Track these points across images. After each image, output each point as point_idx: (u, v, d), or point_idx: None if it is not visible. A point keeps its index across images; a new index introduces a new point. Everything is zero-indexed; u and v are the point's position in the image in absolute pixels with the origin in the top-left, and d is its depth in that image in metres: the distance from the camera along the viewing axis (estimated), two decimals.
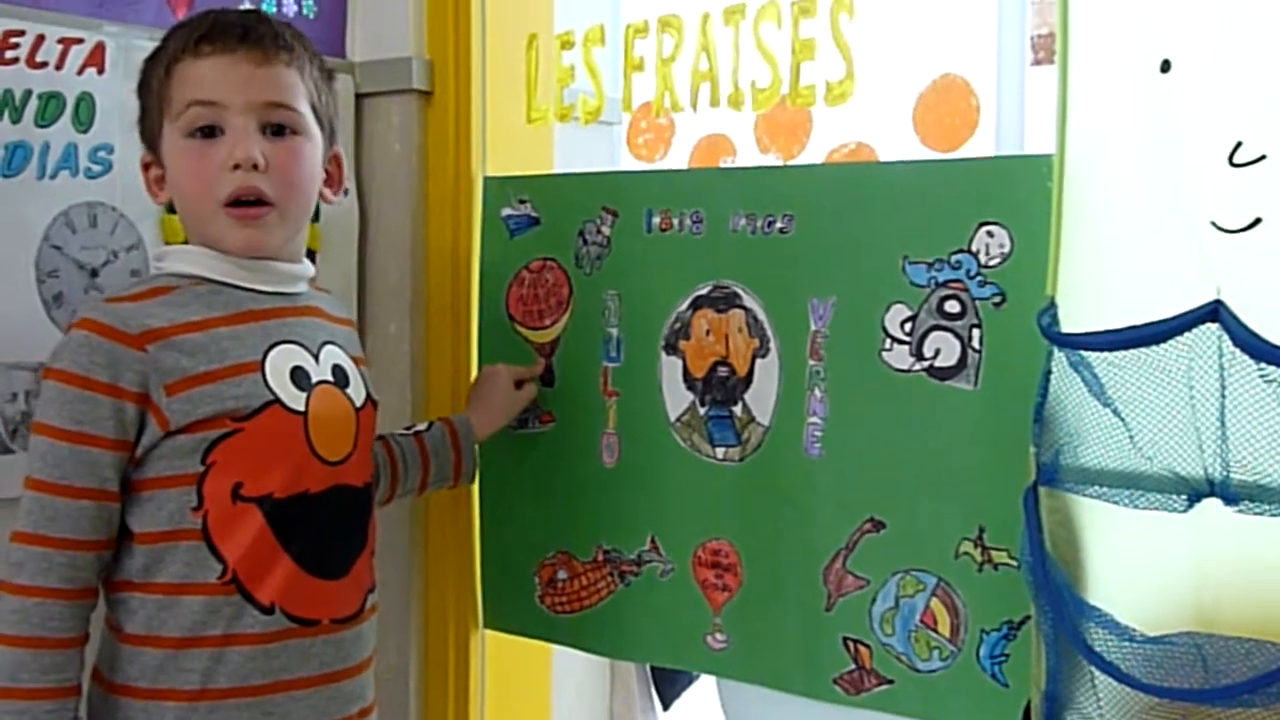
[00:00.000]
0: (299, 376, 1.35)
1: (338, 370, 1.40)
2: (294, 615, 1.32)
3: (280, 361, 1.34)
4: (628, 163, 2.59)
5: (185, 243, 1.40)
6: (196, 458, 1.28)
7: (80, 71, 1.52)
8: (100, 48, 1.54)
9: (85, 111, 1.53)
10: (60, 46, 1.51)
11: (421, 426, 1.67)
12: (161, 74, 1.35)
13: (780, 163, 2.60)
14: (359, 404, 1.42)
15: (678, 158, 2.99)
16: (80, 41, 1.52)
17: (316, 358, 1.38)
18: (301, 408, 1.34)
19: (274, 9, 1.75)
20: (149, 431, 1.27)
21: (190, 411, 1.27)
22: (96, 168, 1.55)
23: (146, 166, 1.39)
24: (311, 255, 1.72)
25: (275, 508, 1.31)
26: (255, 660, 1.30)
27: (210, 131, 1.33)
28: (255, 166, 1.32)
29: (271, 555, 1.31)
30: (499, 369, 1.73)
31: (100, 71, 1.54)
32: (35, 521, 1.25)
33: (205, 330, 1.30)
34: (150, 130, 1.37)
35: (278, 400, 1.32)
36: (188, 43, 1.33)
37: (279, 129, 1.35)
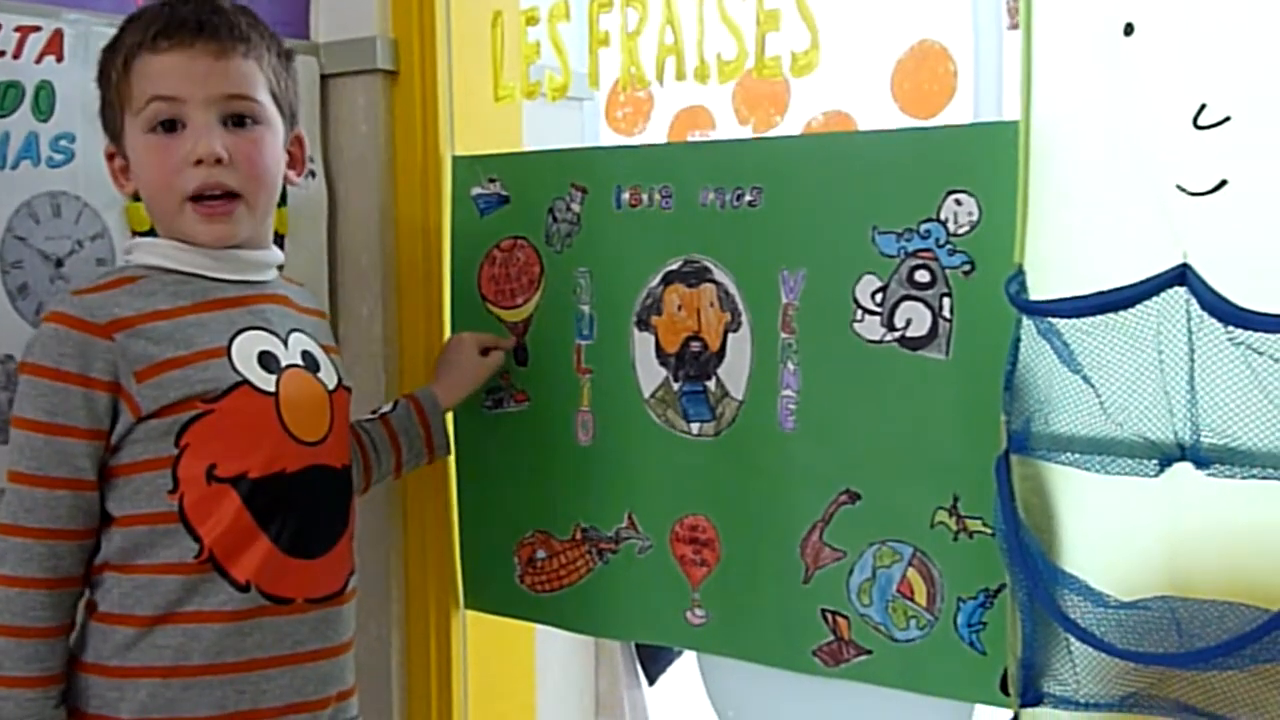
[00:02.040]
0: (267, 360, 1.36)
1: (307, 355, 1.41)
2: (269, 593, 1.33)
3: (247, 346, 1.35)
4: (606, 136, 2.58)
5: (151, 233, 1.40)
6: (170, 441, 1.30)
7: (39, 59, 1.51)
8: (58, 35, 1.52)
9: (45, 100, 1.51)
10: (18, 35, 1.49)
11: (387, 408, 1.66)
12: (120, 66, 1.35)
13: (759, 133, 2.59)
14: (331, 387, 1.43)
15: (657, 130, 2.97)
16: (38, 29, 1.50)
17: (285, 343, 1.39)
18: (271, 389, 1.35)
19: None
20: (122, 419, 1.29)
21: (160, 396, 1.29)
22: (58, 156, 1.53)
23: (111, 157, 1.40)
24: (280, 239, 1.71)
25: (251, 487, 1.32)
26: (229, 637, 1.31)
27: (171, 126, 1.33)
28: (218, 161, 1.33)
29: (248, 534, 1.32)
30: (464, 336, 1.73)
31: (59, 59, 1.52)
32: (14, 513, 1.28)
33: (171, 319, 1.32)
34: (112, 122, 1.38)
35: (246, 381, 1.33)
36: (145, 36, 1.33)
37: (240, 120, 1.36)
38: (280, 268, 1.47)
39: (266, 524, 1.33)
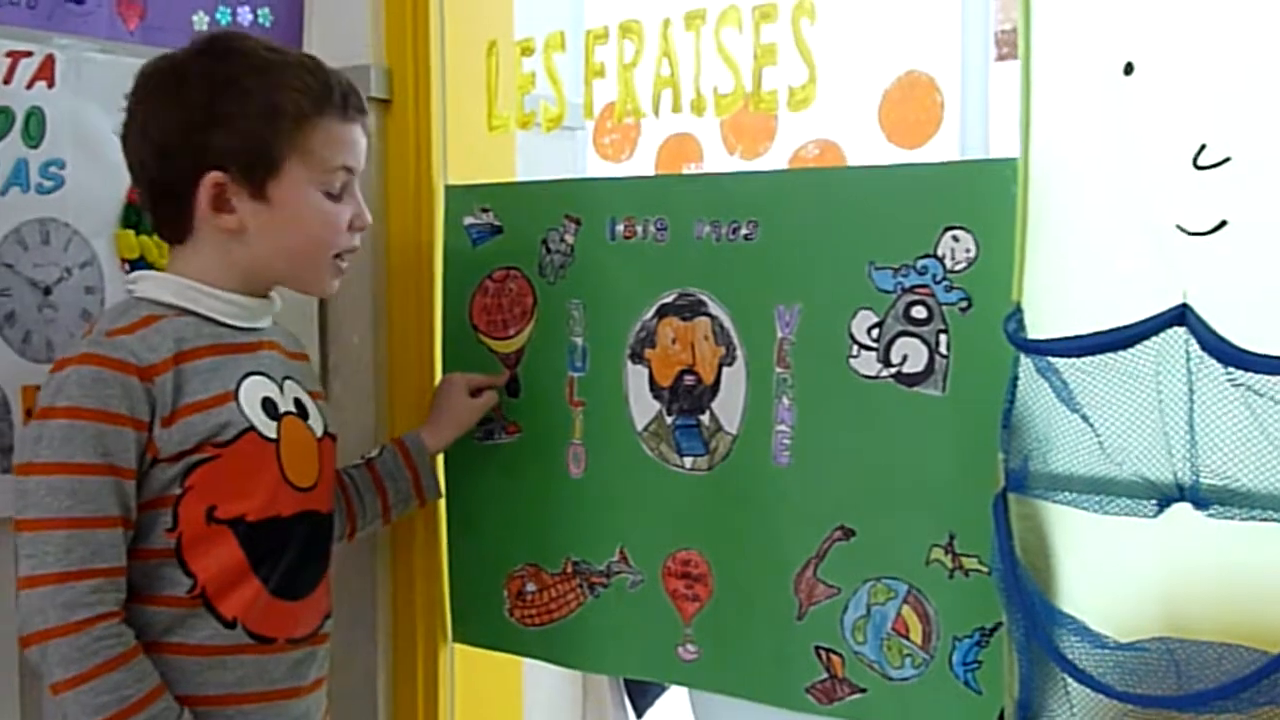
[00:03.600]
0: (269, 406, 1.39)
1: (298, 403, 1.45)
2: (254, 632, 1.36)
3: (252, 392, 1.38)
4: (593, 163, 2.57)
5: (141, 264, 1.39)
6: (176, 482, 1.32)
7: (30, 85, 1.49)
8: (50, 60, 1.51)
9: (35, 126, 1.50)
10: (9, 60, 1.48)
11: (373, 453, 1.67)
12: (297, 115, 1.36)
13: (746, 162, 2.59)
14: (319, 435, 1.46)
15: (644, 158, 2.97)
16: (29, 55, 1.49)
17: (281, 389, 1.42)
18: (274, 435, 1.38)
19: (229, 19, 1.72)
20: (145, 459, 1.31)
21: (179, 441, 1.31)
22: (48, 183, 1.52)
23: (221, 185, 1.35)
24: None
25: (249, 530, 1.35)
26: (211, 671, 1.34)
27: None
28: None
29: (240, 574, 1.35)
30: (454, 378, 1.73)
31: (50, 85, 1.51)
32: (83, 558, 1.26)
33: (191, 361, 1.34)
34: (262, 159, 1.36)
35: (253, 427, 1.36)
36: (333, 98, 1.38)
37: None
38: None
39: (259, 565, 1.36)
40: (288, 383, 1.44)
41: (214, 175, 1.35)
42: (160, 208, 1.40)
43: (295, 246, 1.41)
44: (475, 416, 1.72)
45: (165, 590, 1.32)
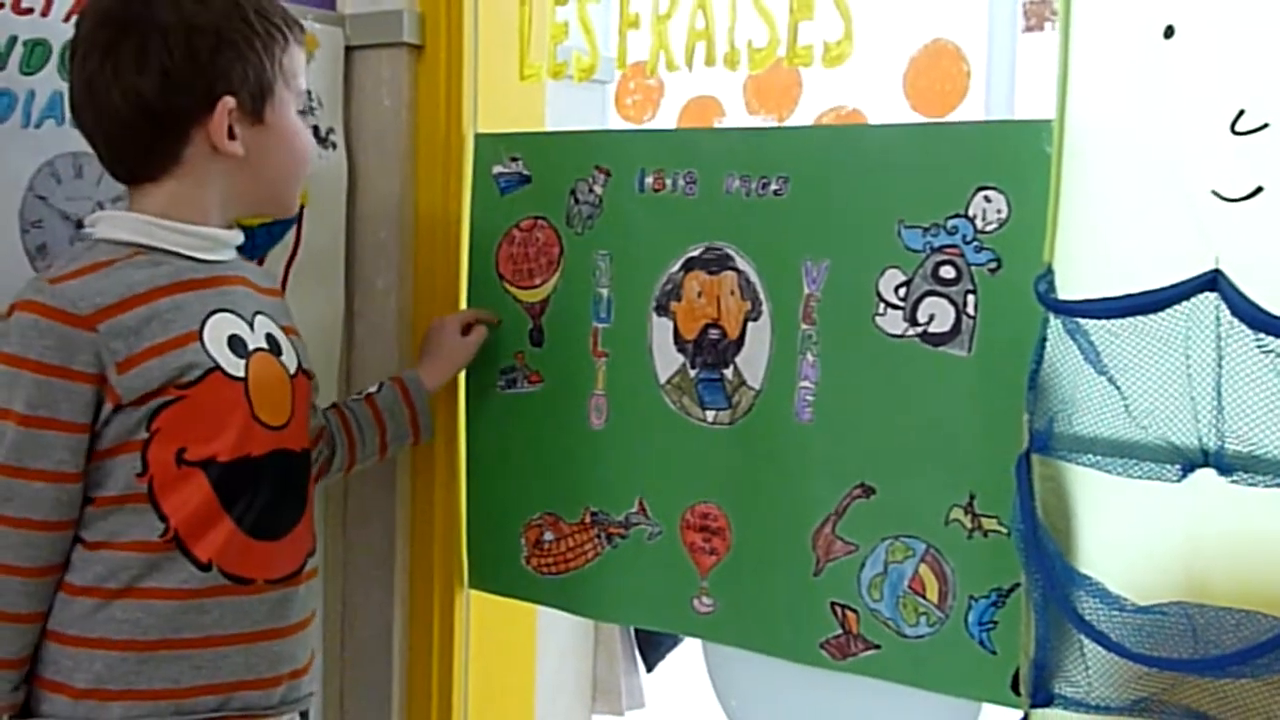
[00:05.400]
0: (236, 344, 1.37)
1: (270, 339, 1.42)
2: (230, 573, 1.35)
3: (218, 330, 1.36)
4: (615, 123, 2.57)
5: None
6: (142, 426, 1.30)
7: (67, 18, 1.48)
8: None
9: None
10: None
11: (373, 388, 1.68)
12: (283, 40, 1.39)
13: (771, 124, 2.58)
14: (292, 371, 1.44)
15: (666, 118, 2.96)
16: None
17: (251, 326, 1.40)
18: (241, 374, 1.36)
19: None
20: (104, 408, 1.29)
21: (139, 386, 1.29)
22: None
23: (231, 113, 1.35)
24: (300, 210, 1.70)
25: (220, 471, 1.34)
26: (188, 614, 1.33)
27: None
28: None
29: (214, 516, 1.34)
30: (446, 318, 1.75)
31: None
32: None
33: (149, 302, 1.31)
34: (259, 84, 1.36)
35: (219, 367, 1.34)
36: (293, 25, 1.41)
37: None
38: (240, 249, 1.46)
39: (231, 506, 1.35)
40: (259, 318, 1.41)
41: (227, 101, 1.34)
42: (143, 144, 1.35)
43: (285, 168, 1.42)
44: (468, 354, 1.73)
45: (137, 535, 1.31)
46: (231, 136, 1.35)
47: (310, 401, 1.49)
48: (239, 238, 1.44)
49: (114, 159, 1.38)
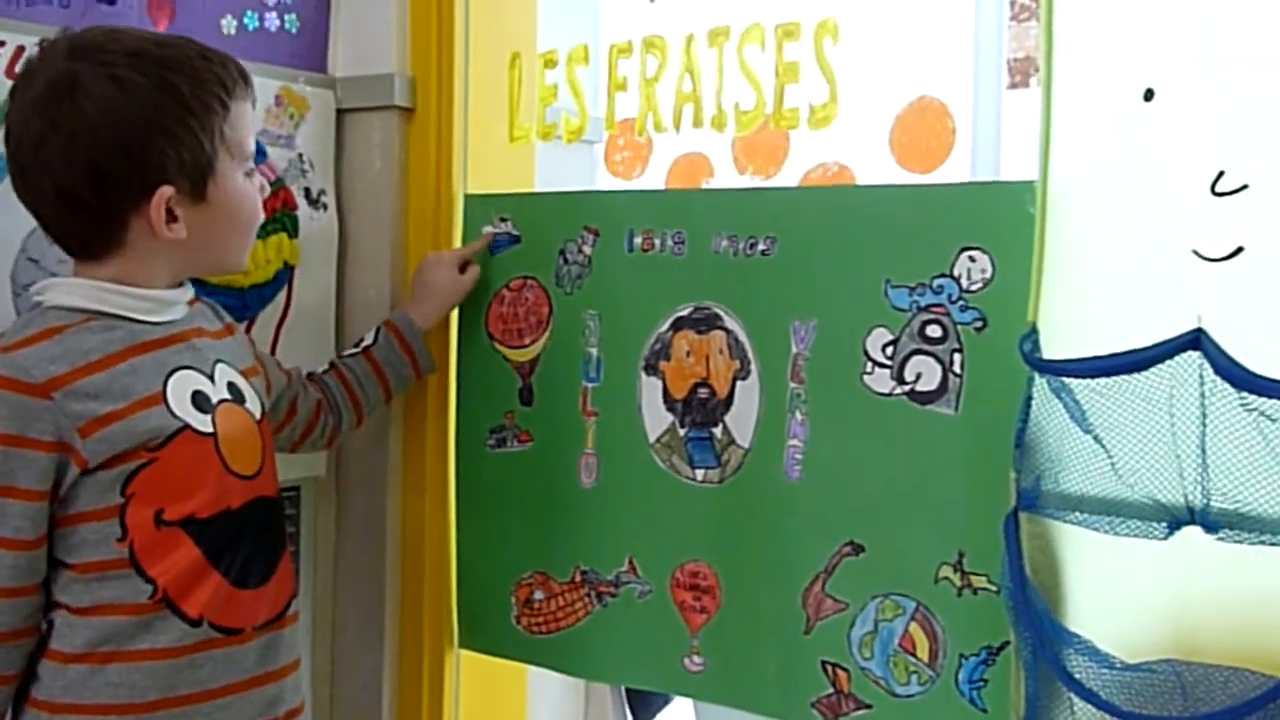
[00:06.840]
0: (200, 400, 1.36)
1: (232, 387, 1.42)
2: (219, 625, 1.36)
3: (180, 388, 1.35)
4: (604, 179, 2.59)
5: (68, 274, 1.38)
6: (116, 490, 1.30)
7: None
8: None
9: None
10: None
11: (368, 339, 1.70)
12: (223, 108, 1.34)
13: (758, 182, 2.61)
14: (258, 418, 1.44)
15: (655, 175, 2.99)
16: None
17: (212, 379, 1.39)
18: (210, 429, 1.36)
19: (256, 24, 1.74)
20: (70, 473, 1.28)
21: (105, 450, 1.29)
22: None
23: (168, 201, 1.31)
24: (290, 270, 1.72)
25: (201, 528, 1.34)
26: (182, 671, 1.33)
27: None
28: None
29: (201, 572, 1.34)
30: (441, 254, 1.76)
31: None
32: None
33: (106, 369, 1.30)
34: (196, 166, 1.32)
35: (187, 426, 1.33)
36: (231, 83, 1.35)
37: None
38: (191, 303, 1.43)
39: (217, 561, 1.35)
40: (219, 367, 1.40)
41: (163, 191, 1.30)
42: (81, 232, 1.33)
43: (230, 238, 1.40)
44: (463, 293, 1.75)
45: (125, 599, 1.31)
46: (173, 219, 1.32)
47: (274, 447, 1.48)
48: (189, 293, 1.42)
49: (55, 238, 1.36)
